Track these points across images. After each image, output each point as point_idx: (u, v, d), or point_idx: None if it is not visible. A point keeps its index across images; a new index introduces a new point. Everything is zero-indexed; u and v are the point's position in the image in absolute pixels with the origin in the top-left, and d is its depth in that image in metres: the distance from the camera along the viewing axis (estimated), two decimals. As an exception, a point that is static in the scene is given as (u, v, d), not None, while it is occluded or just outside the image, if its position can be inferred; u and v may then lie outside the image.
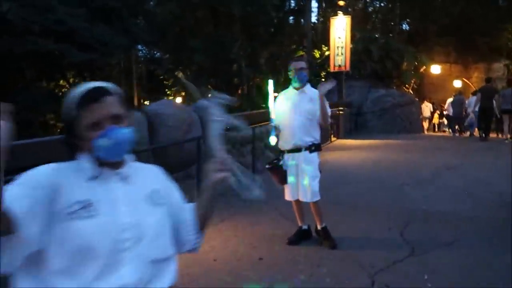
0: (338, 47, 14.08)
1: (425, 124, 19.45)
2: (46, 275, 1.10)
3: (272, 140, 3.83)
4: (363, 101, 16.80)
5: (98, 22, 15.68)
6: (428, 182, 6.79)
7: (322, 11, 25.61)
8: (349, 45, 14.25)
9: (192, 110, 5.48)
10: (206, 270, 3.52)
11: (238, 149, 6.88)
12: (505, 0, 22.64)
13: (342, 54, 14.03)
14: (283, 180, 3.93)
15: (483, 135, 12.41)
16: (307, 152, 3.83)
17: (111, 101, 1.19)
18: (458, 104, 15.01)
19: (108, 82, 1.27)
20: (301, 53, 22.86)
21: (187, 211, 1.39)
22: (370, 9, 25.62)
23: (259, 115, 7.46)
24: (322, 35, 21.45)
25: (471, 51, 22.13)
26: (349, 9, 22.09)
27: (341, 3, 14.62)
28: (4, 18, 13.64)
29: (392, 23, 23.77)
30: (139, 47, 26.60)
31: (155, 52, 27.86)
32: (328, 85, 3.68)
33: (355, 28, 17.99)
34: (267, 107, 4.21)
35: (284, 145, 3.92)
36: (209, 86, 22.90)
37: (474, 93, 14.84)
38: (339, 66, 14.13)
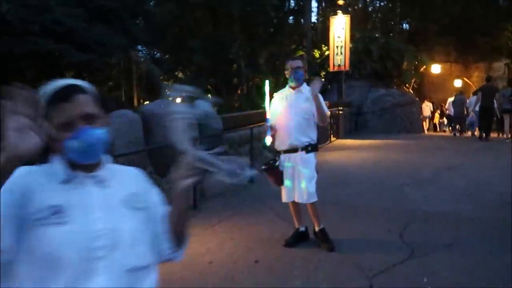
0: (337, 46, 14.01)
1: (425, 124, 19.37)
2: (15, 286, 1.03)
3: (268, 140, 3.76)
4: (363, 100, 16.72)
5: (97, 22, 15.63)
6: (428, 182, 6.71)
7: (322, 11, 25.55)
8: (348, 45, 14.17)
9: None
10: (201, 273, 3.44)
11: (236, 149, 6.80)
12: (505, 0, 22.55)
13: (341, 53, 13.96)
14: (280, 181, 3.86)
15: (484, 134, 12.32)
16: (303, 152, 3.75)
17: (84, 100, 1.11)
18: (459, 103, 14.93)
19: (81, 80, 1.19)
20: (301, 53, 22.79)
21: (163, 218, 1.28)
22: (370, 8, 25.53)
23: (258, 115, 7.38)
24: (322, 35, 21.37)
25: (471, 51, 22.04)
26: (349, 9, 22.02)
27: (341, 2, 14.53)
28: (3, 19, 13.59)
29: (392, 23, 23.69)
30: (139, 47, 26.58)
31: (155, 53, 27.80)
32: (318, 84, 3.60)
33: (355, 27, 17.92)
34: (264, 107, 4.13)
35: (280, 146, 3.84)
36: (209, 87, 22.88)
37: (475, 93, 14.75)
38: (339, 65, 14.05)
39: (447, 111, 17.24)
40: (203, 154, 1.16)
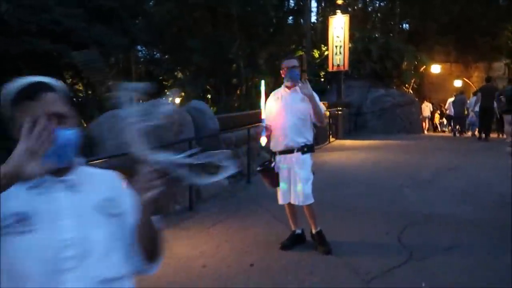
0: (336, 46, 13.91)
1: (425, 124, 19.30)
2: None
3: (263, 140, 3.68)
4: (362, 101, 16.64)
5: (96, 22, 15.56)
6: (428, 183, 6.63)
7: (322, 11, 25.47)
8: (347, 45, 14.08)
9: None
10: (194, 277, 3.37)
11: (233, 150, 6.72)
12: (505, -1, 22.48)
13: (340, 53, 13.86)
14: (275, 182, 3.78)
15: (483, 135, 12.24)
16: (299, 153, 3.67)
17: (52, 98, 1.03)
18: (460, 103, 14.85)
19: (51, 77, 1.11)
20: (300, 53, 22.73)
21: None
22: (370, 8, 25.44)
23: (256, 115, 7.29)
24: (321, 35, 21.28)
25: (471, 50, 21.96)
26: (349, 9, 21.94)
27: (340, 2, 14.44)
28: (1, 19, 13.53)
29: (392, 23, 23.61)
30: (139, 47, 26.52)
31: (154, 53, 27.72)
32: (306, 86, 3.53)
33: (355, 27, 17.84)
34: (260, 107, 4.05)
35: (276, 146, 3.76)
36: (208, 87, 22.81)
37: (475, 93, 14.67)
38: (338, 65, 13.94)
39: (447, 111, 17.15)
40: (167, 159, 1.04)
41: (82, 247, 1.03)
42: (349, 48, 14.93)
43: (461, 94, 15.59)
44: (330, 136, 12.41)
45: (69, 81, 20.89)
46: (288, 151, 3.70)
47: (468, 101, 14.83)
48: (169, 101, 1.08)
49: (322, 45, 19.07)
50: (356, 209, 5.22)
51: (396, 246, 3.96)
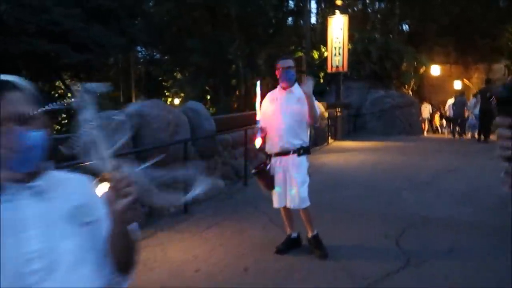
0: (335, 47, 13.84)
1: (425, 126, 19.23)
2: None
3: (258, 142, 3.60)
4: (362, 102, 16.58)
5: (95, 22, 15.51)
6: (427, 185, 6.55)
7: (321, 12, 25.42)
8: (346, 45, 14.01)
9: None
10: (187, 282, 3.29)
11: (230, 151, 6.65)
12: (505, 0, 22.39)
13: (339, 54, 13.79)
14: (270, 185, 3.70)
15: (483, 137, 12.17)
16: (295, 155, 3.59)
17: (15, 98, 0.95)
18: (460, 105, 14.78)
19: (18, 76, 1.02)
20: (300, 54, 22.69)
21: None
22: (369, 9, 25.37)
23: (254, 116, 7.23)
24: (321, 36, 21.24)
25: (471, 52, 21.89)
26: (349, 10, 21.87)
27: (339, 2, 14.37)
28: (0, 19, 13.47)
29: (392, 24, 23.53)
30: (138, 48, 26.48)
31: (154, 53, 27.66)
32: (310, 83, 3.43)
33: (354, 28, 17.78)
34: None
35: (271, 148, 3.68)
36: (207, 88, 22.75)
37: (475, 95, 14.59)
38: (337, 66, 13.88)
39: (447, 113, 17.08)
40: (130, 170, 0.95)
41: (49, 259, 0.95)
42: (349, 49, 14.88)
43: (461, 96, 15.51)
44: (329, 138, 12.34)
45: (67, 81, 20.87)
46: (284, 153, 3.62)
47: (468, 103, 14.76)
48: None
49: (322, 46, 19.01)
50: (354, 212, 5.14)
51: (394, 250, 3.88)
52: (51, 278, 0.94)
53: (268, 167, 3.67)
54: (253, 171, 3.79)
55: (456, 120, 15.30)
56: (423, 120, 19.04)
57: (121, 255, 1.06)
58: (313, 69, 18.62)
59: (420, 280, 3.25)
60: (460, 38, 21.69)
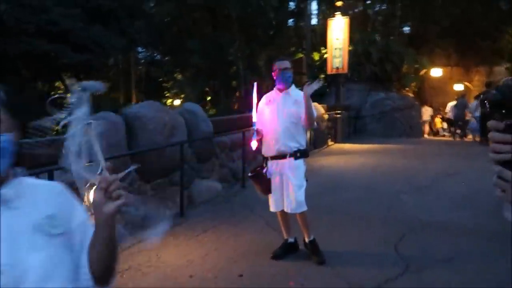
0: (335, 49, 13.75)
1: (425, 128, 19.15)
2: None
3: (253, 145, 3.52)
4: (362, 104, 16.50)
5: (94, 23, 15.46)
6: (427, 189, 6.48)
7: (322, 13, 25.36)
8: (347, 47, 13.93)
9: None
10: (179, 287, 3.21)
11: (228, 154, 6.57)
12: (506, 2, 22.30)
13: (339, 56, 13.71)
14: (267, 189, 3.62)
15: (484, 139, 12.07)
16: (292, 159, 3.52)
17: None
18: (461, 107, 14.71)
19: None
20: (300, 55, 22.62)
21: (86, 247, 1.03)
22: (370, 11, 25.31)
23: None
24: (321, 38, 21.19)
25: (472, 54, 21.79)
26: (350, 12, 21.80)
27: (339, 4, 14.30)
28: (0, 19, 13.43)
29: (392, 26, 23.47)
30: (139, 49, 26.43)
31: (155, 54, 27.60)
32: (315, 86, 3.35)
33: (355, 30, 17.70)
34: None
35: (267, 151, 3.60)
36: (207, 89, 22.67)
37: (477, 97, 14.51)
38: (337, 68, 13.80)
39: (447, 115, 17.00)
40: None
41: (15, 274, 0.87)
42: (349, 50, 14.80)
43: (462, 98, 15.44)
44: (329, 140, 12.26)
45: (67, 82, 20.83)
46: (280, 156, 3.54)
47: (469, 105, 14.68)
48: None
49: (322, 48, 18.95)
50: (354, 215, 5.07)
51: (393, 255, 3.80)
52: None
53: (264, 170, 3.59)
54: (250, 174, 3.71)
55: (457, 122, 15.23)
56: (424, 123, 18.97)
57: (103, 264, 1.00)
58: (313, 71, 18.56)
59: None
60: (461, 40, 21.60)
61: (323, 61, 17.73)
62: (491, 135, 0.72)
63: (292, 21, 24.52)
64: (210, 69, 20.26)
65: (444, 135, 19.24)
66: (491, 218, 4.81)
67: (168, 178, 5.05)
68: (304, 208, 3.57)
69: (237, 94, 21.71)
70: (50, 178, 3.13)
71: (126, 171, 0.99)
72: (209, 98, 23.58)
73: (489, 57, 21.59)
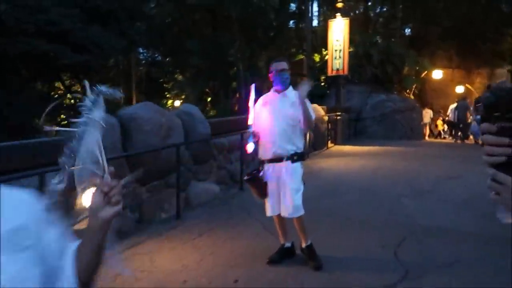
0: (336, 50, 13.68)
1: (426, 130, 19.08)
2: None
3: (249, 147, 3.44)
4: (362, 106, 16.42)
5: (93, 23, 15.42)
6: (428, 192, 6.39)
7: (323, 14, 25.31)
8: (347, 49, 13.85)
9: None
10: (173, 294, 3.13)
11: (225, 156, 6.50)
12: (508, 4, 22.21)
13: (340, 57, 13.63)
14: (263, 193, 3.54)
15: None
16: (289, 162, 3.43)
17: None
18: (462, 109, 14.62)
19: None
20: (301, 56, 22.55)
21: (67, 256, 0.96)
22: (371, 13, 25.24)
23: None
24: (322, 39, 21.13)
25: (473, 56, 21.70)
26: (351, 14, 21.74)
27: (340, 5, 14.23)
28: (-1, 19, 13.39)
29: (394, 27, 23.39)
30: (140, 50, 26.39)
31: (156, 55, 27.57)
32: (307, 87, 3.26)
33: (356, 31, 17.63)
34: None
35: (264, 154, 3.52)
36: (207, 90, 22.60)
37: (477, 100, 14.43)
38: (337, 70, 13.71)
39: (448, 118, 16.92)
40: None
41: None
42: (350, 52, 14.72)
43: (463, 100, 15.35)
44: (329, 142, 12.17)
45: (67, 82, 20.77)
46: (277, 159, 3.46)
47: (471, 107, 14.60)
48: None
49: (323, 49, 18.89)
50: (353, 218, 4.99)
51: (392, 261, 3.72)
52: None
53: (261, 174, 3.51)
54: (246, 178, 3.63)
55: (458, 125, 15.15)
56: (424, 125, 18.90)
57: (91, 270, 0.96)
58: (314, 72, 18.49)
59: (419, 295, 3.09)
60: (463, 42, 21.51)
61: (324, 63, 17.67)
62: (485, 137, 0.73)
63: (293, 22, 24.47)
64: (210, 70, 20.21)
65: (445, 138, 19.17)
66: (492, 222, 4.69)
67: (164, 180, 4.98)
68: (301, 213, 3.49)
69: (237, 95, 21.64)
70: (42, 181, 3.07)
71: (128, 178, 0.97)
72: (209, 99, 23.52)
73: (490, 59, 21.51)
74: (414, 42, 22.40)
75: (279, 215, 3.59)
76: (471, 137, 14.62)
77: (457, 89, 21.05)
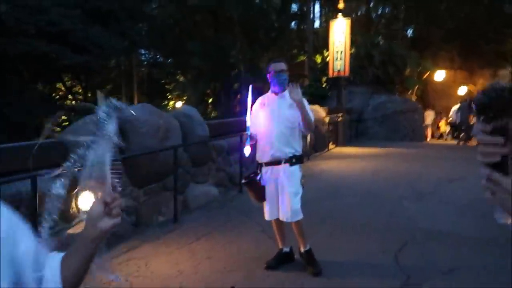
0: (337, 51, 13.59)
1: (428, 132, 18.97)
2: None
3: (247, 150, 3.36)
4: (364, 107, 16.33)
5: (94, 24, 15.38)
6: (429, 195, 6.30)
7: (325, 15, 25.24)
8: (348, 50, 13.76)
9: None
10: (168, 300, 3.06)
11: (224, 158, 6.42)
12: (511, 5, 22.10)
13: (341, 58, 13.54)
14: (261, 196, 3.46)
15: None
16: (287, 165, 3.36)
17: None
18: (465, 111, 14.52)
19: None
20: (303, 58, 22.49)
21: (47, 266, 0.92)
22: (374, 15, 25.15)
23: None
24: (324, 40, 21.06)
25: (476, 57, 21.59)
26: (353, 15, 21.67)
27: (341, 6, 14.14)
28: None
29: (396, 28, 23.31)
30: (142, 51, 26.38)
31: (157, 56, 27.55)
32: (297, 91, 3.17)
33: (358, 32, 17.56)
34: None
35: (262, 157, 3.45)
36: (208, 91, 22.54)
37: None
38: (338, 71, 13.63)
39: (451, 119, 16.80)
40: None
41: None
42: (352, 53, 14.64)
43: (465, 102, 15.24)
44: (330, 143, 12.08)
45: (68, 83, 20.75)
46: (275, 162, 3.38)
47: (473, 109, 14.48)
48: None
49: (325, 50, 18.81)
50: (353, 222, 4.91)
51: (393, 266, 3.64)
52: None
53: (258, 177, 3.43)
54: (243, 181, 3.56)
55: (461, 127, 15.04)
56: (426, 127, 18.79)
57: (78, 277, 0.93)
58: (315, 74, 18.42)
59: (420, 302, 3.01)
60: (465, 43, 21.41)
61: (326, 64, 17.59)
62: (479, 137, 0.73)
63: (295, 23, 24.42)
64: (211, 71, 20.15)
65: (447, 139, 19.06)
66: (494, 226, 4.62)
67: (162, 183, 4.91)
68: (300, 217, 3.41)
69: (239, 96, 21.57)
70: (34, 184, 3.00)
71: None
72: (210, 100, 23.46)
73: (493, 60, 21.40)
74: (416, 43, 22.31)
75: (277, 219, 3.51)
76: (473, 138, 14.52)
77: (460, 90, 20.93)
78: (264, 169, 3.44)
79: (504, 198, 0.71)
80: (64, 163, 0.93)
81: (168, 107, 25.87)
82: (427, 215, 5.25)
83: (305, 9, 22.13)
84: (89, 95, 21.45)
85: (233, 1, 17.30)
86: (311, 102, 3.49)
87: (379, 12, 25.34)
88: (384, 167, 8.92)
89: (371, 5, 24.75)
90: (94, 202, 0.92)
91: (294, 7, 23.71)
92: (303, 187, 3.45)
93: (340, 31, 13.62)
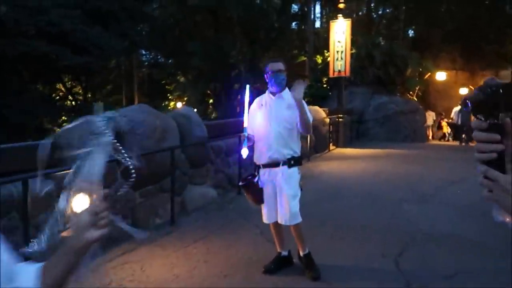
0: (338, 51, 13.52)
1: (429, 133, 18.89)
2: None
3: (244, 152, 3.28)
4: (365, 108, 16.25)
5: (94, 24, 15.33)
6: (430, 198, 6.23)
7: (326, 16, 25.17)
8: (349, 50, 13.69)
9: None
10: (163, 305, 2.99)
11: (223, 159, 6.35)
12: (512, 6, 22.04)
13: (342, 59, 13.47)
14: (259, 199, 3.39)
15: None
16: (285, 167, 3.28)
17: None
18: (466, 112, 14.44)
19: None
20: (303, 58, 22.41)
21: (22, 277, 0.87)
22: (374, 15, 25.08)
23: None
24: (325, 40, 20.98)
25: (477, 58, 21.49)
26: (354, 15, 21.60)
27: (341, 6, 14.07)
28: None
29: (397, 29, 23.23)
30: (142, 51, 26.34)
31: (158, 56, 27.50)
32: (301, 87, 3.09)
33: (358, 33, 17.48)
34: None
35: (259, 159, 3.37)
36: (208, 92, 22.48)
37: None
38: (339, 71, 13.55)
39: (452, 120, 16.73)
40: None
41: None
42: (352, 54, 14.56)
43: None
44: (330, 144, 12.00)
45: (68, 84, 20.71)
46: (273, 164, 3.31)
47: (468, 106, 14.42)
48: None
49: (325, 51, 18.74)
50: (353, 224, 4.83)
51: (393, 271, 3.56)
52: None
53: (256, 179, 3.36)
54: (241, 183, 3.49)
55: (462, 128, 14.96)
56: (427, 128, 18.72)
57: (60, 286, 0.90)
58: (316, 74, 18.35)
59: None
60: (466, 44, 21.32)
61: (326, 64, 17.52)
62: (475, 134, 0.73)
63: (295, 24, 24.34)
64: (212, 71, 20.08)
65: (449, 140, 18.99)
66: (495, 228, 4.55)
67: (159, 185, 4.84)
68: (299, 220, 3.34)
69: (239, 97, 21.50)
70: (25, 186, 2.93)
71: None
72: (211, 100, 23.40)
73: (494, 61, 21.30)
74: (417, 43, 22.22)
75: (275, 223, 3.44)
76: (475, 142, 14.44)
77: (461, 91, 20.84)
78: (261, 171, 3.37)
79: (501, 195, 0.70)
80: (59, 165, 0.94)
81: (169, 107, 25.83)
82: (429, 217, 5.17)
83: (305, 10, 22.07)
84: (89, 95, 21.43)
85: (233, 1, 17.23)
86: (311, 102, 3.41)
87: (380, 12, 25.26)
88: (385, 169, 8.85)
89: (371, 5, 24.68)
90: (82, 211, 0.89)
91: (295, 7, 23.64)
92: (301, 190, 3.38)
93: (340, 32, 13.56)
